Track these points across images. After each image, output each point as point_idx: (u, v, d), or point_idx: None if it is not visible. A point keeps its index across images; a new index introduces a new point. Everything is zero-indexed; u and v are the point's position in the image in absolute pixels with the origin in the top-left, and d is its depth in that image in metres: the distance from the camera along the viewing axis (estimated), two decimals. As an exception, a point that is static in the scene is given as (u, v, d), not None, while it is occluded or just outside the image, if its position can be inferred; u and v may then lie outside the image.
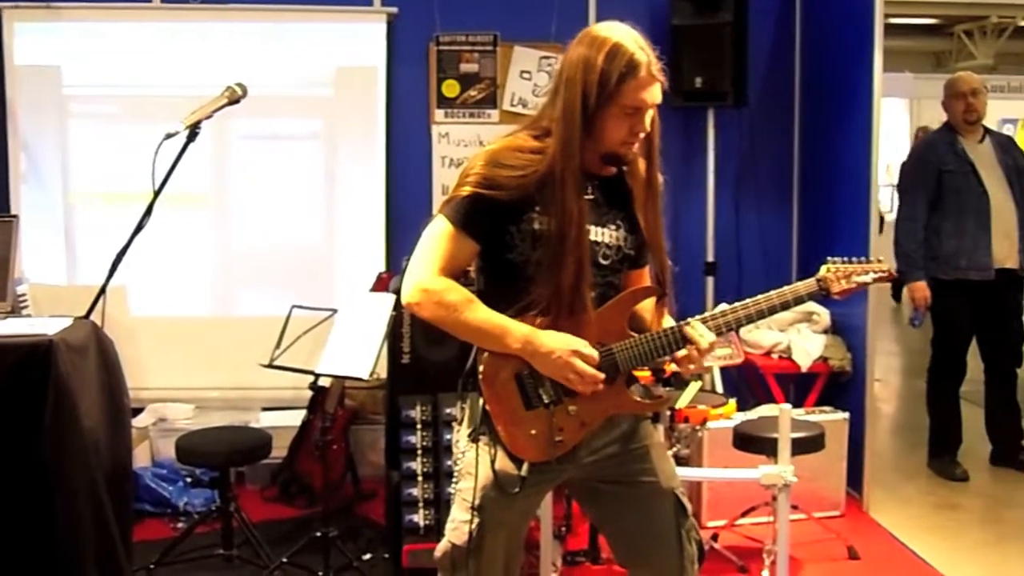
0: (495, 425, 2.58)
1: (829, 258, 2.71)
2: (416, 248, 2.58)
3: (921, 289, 5.60)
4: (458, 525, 2.63)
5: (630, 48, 2.49)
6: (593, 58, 2.49)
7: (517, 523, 2.73)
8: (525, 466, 2.58)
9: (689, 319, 2.62)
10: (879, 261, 2.74)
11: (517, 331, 2.52)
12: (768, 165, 6.33)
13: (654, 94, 2.54)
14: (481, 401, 2.59)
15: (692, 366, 2.65)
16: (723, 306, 2.68)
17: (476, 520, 2.59)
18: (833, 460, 5.08)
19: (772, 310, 2.65)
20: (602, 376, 2.54)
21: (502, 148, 2.55)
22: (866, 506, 5.32)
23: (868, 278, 2.71)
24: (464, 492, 2.64)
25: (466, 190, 2.52)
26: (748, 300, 2.64)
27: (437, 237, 2.55)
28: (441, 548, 2.67)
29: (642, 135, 2.58)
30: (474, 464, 2.61)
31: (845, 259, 2.70)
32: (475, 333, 2.56)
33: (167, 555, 4.47)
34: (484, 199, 2.50)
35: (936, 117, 6.14)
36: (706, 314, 2.64)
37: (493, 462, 2.59)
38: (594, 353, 2.54)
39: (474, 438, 2.62)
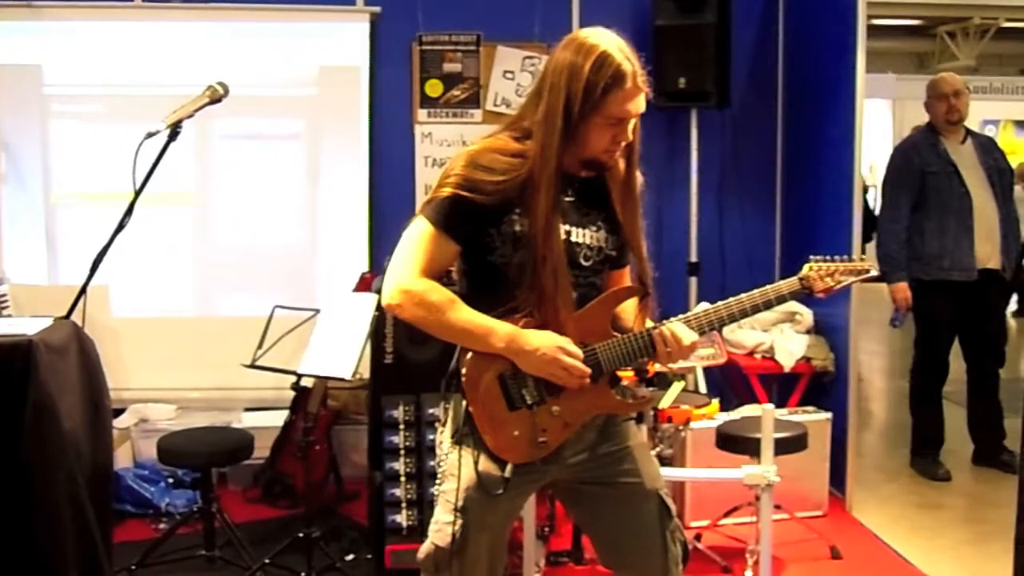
0: (478, 426, 2.57)
1: (812, 256, 2.71)
2: (396, 249, 2.57)
3: (903, 290, 5.62)
4: (441, 527, 2.62)
5: (617, 58, 2.48)
6: (579, 66, 2.47)
7: (500, 524, 2.72)
8: (508, 467, 2.57)
9: (671, 319, 2.62)
10: (862, 260, 2.75)
11: (501, 330, 2.52)
12: (751, 166, 6.34)
13: (639, 105, 2.54)
14: (464, 402, 2.58)
15: (674, 365, 2.65)
16: (704, 305, 2.68)
17: (459, 522, 2.58)
18: (816, 460, 5.08)
19: (755, 309, 2.65)
20: (588, 370, 2.55)
21: (483, 150, 2.54)
22: (849, 506, 5.34)
23: (851, 277, 2.72)
24: (447, 494, 2.62)
25: (446, 191, 2.51)
26: (731, 299, 2.64)
27: (417, 238, 2.54)
28: (424, 550, 2.66)
29: (624, 144, 2.58)
30: (457, 466, 2.60)
31: (828, 257, 2.71)
32: (459, 334, 2.55)
33: (149, 556, 4.45)
34: (465, 200, 2.49)
35: (919, 118, 6.16)
36: (688, 314, 2.65)
37: (476, 464, 2.58)
38: (578, 350, 2.54)
39: (457, 440, 2.61)
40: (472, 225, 2.53)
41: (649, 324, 2.65)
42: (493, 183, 2.49)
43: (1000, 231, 5.67)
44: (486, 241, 2.54)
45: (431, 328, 2.54)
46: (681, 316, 2.64)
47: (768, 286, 2.66)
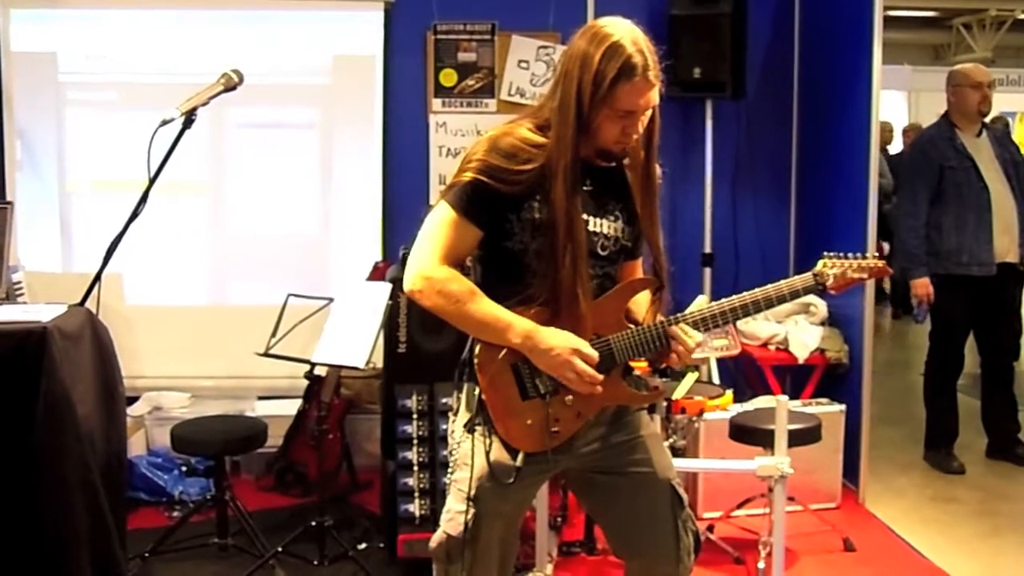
0: (491, 415, 2.57)
1: (826, 253, 2.70)
2: (419, 234, 2.58)
3: (924, 285, 5.58)
4: (453, 515, 2.63)
5: (628, 49, 2.46)
6: (591, 55, 2.46)
7: (513, 513, 2.73)
8: (520, 456, 2.57)
9: (686, 313, 2.62)
10: (875, 257, 2.73)
11: (519, 326, 2.52)
12: (766, 157, 6.31)
13: (649, 98, 2.52)
14: (477, 391, 2.58)
15: (683, 361, 2.65)
16: (702, 298, 2.68)
17: (471, 511, 2.58)
18: (829, 452, 5.07)
19: (768, 304, 2.64)
20: (600, 377, 2.54)
21: (503, 135, 2.54)
22: (862, 498, 5.33)
23: (864, 274, 2.70)
24: (460, 482, 2.63)
25: (468, 176, 2.51)
26: (745, 293, 2.64)
27: (440, 224, 2.55)
28: (436, 538, 2.67)
29: (635, 136, 2.57)
30: (470, 454, 2.60)
31: (842, 254, 2.70)
32: (476, 325, 2.55)
33: (162, 544, 4.47)
34: (485, 186, 2.49)
35: (935, 109, 6.12)
36: (704, 309, 2.63)
37: (488, 452, 2.58)
38: (594, 354, 2.54)
39: (470, 428, 2.62)
40: (492, 210, 2.53)
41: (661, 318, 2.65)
42: (513, 171, 2.49)
43: (1018, 224, 5.64)
44: (504, 227, 2.55)
45: (449, 317, 2.54)
46: (697, 311, 2.63)
47: (782, 281, 2.66)
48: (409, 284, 2.55)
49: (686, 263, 5.84)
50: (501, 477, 2.57)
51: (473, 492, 2.58)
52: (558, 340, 2.52)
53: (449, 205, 2.54)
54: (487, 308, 2.53)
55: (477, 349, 2.58)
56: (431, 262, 2.52)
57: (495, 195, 2.50)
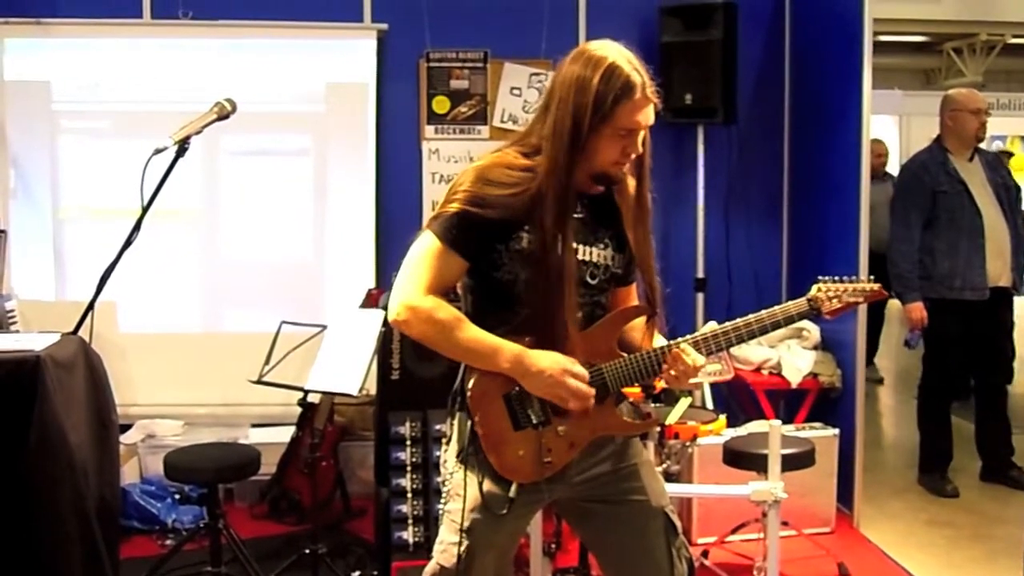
0: (483, 446, 2.57)
1: (820, 277, 2.70)
2: (403, 264, 2.57)
3: (918, 310, 5.59)
4: (447, 547, 2.62)
5: (625, 69, 2.47)
6: (588, 78, 2.46)
7: (506, 544, 2.72)
8: (513, 487, 2.56)
9: (679, 340, 2.62)
10: (870, 280, 2.73)
11: (507, 350, 2.51)
12: (758, 182, 6.34)
13: (648, 115, 2.53)
14: (469, 421, 2.57)
15: (681, 383, 2.64)
16: (712, 324, 2.68)
17: (465, 542, 2.58)
18: (823, 476, 5.07)
19: (763, 330, 2.64)
20: (593, 392, 2.54)
21: (491, 165, 2.53)
22: (856, 522, 5.32)
23: (859, 297, 2.70)
24: (452, 514, 2.62)
25: (454, 207, 2.50)
26: (739, 320, 2.63)
27: (424, 254, 2.53)
28: (430, 569, 2.65)
29: (634, 156, 2.57)
30: (462, 485, 2.59)
31: (836, 278, 2.70)
32: (464, 352, 2.54)
33: (155, 572, 4.44)
34: (472, 216, 2.48)
35: (927, 134, 6.14)
36: (697, 335, 2.63)
37: (481, 484, 2.57)
38: (584, 372, 2.54)
39: (462, 459, 2.61)
40: (480, 241, 2.52)
41: (658, 341, 2.65)
42: (502, 197, 2.48)
43: (1010, 248, 5.66)
44: (493, 257, 2.54)
45: (437, 346, 2.53)
46: (689, 336, 2.63)
47: (776, 307, 2.65)
48: (394, 314, 2.53)
49: (679, 288, 5.80)
50: (494, 508, 2.56)
51: (466, 524, 2.57)
52: (548, 361, 2.51)
53: (434, 235, 2.52)
54: (474, 334, 2.52)
55: (470, 381, 2.57)
56: (416, 292, 2.50)
57: (483, 225, 2.49)
